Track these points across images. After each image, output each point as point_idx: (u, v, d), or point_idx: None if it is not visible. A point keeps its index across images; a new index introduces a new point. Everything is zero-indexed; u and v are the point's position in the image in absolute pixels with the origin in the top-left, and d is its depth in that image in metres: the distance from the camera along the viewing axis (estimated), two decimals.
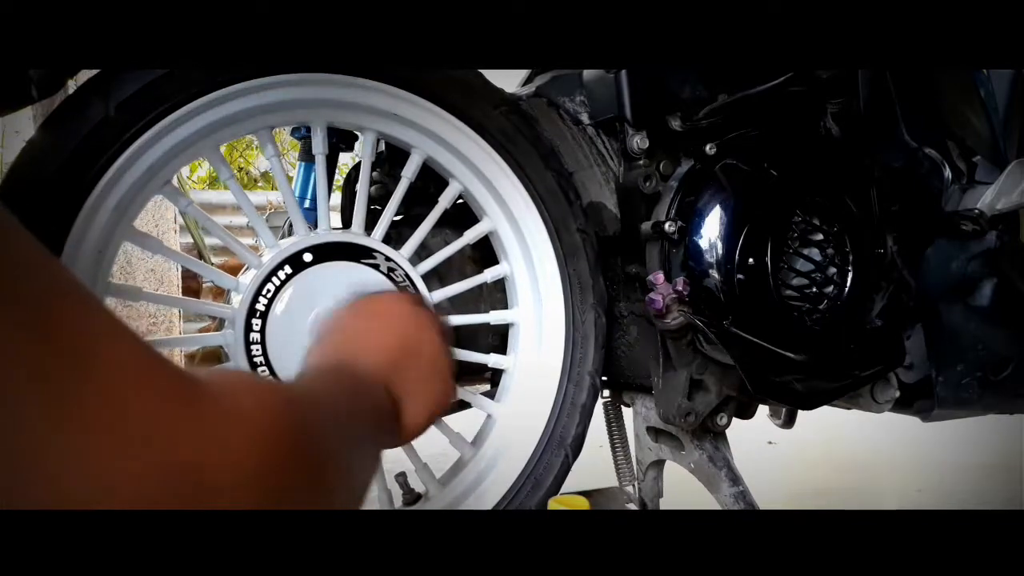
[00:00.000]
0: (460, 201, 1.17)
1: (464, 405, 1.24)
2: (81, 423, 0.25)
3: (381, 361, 0.53)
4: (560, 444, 1.14)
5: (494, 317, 1.17)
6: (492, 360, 1.16)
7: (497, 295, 1.23)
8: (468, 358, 1.14)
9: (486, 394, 1.30)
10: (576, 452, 1.15)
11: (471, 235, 1.15)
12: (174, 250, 1.06)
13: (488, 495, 1.12)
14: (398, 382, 0.54)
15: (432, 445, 1.26)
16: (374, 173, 1.24)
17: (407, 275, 1.06)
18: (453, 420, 1.18)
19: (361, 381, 0.50)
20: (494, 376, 1.27)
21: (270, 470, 0.31)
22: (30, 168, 0.88)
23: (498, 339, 1.23)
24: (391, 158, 1.25)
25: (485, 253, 1.22)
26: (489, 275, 1.16)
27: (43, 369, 0.24)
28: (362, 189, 1.08)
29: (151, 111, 0.91)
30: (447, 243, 1.19)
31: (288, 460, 0.32)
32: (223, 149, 1.05)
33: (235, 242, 1.03)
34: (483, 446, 1.15)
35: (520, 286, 1.17)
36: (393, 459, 1.14)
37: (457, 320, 1.14)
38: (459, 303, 1.19)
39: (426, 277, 1.09)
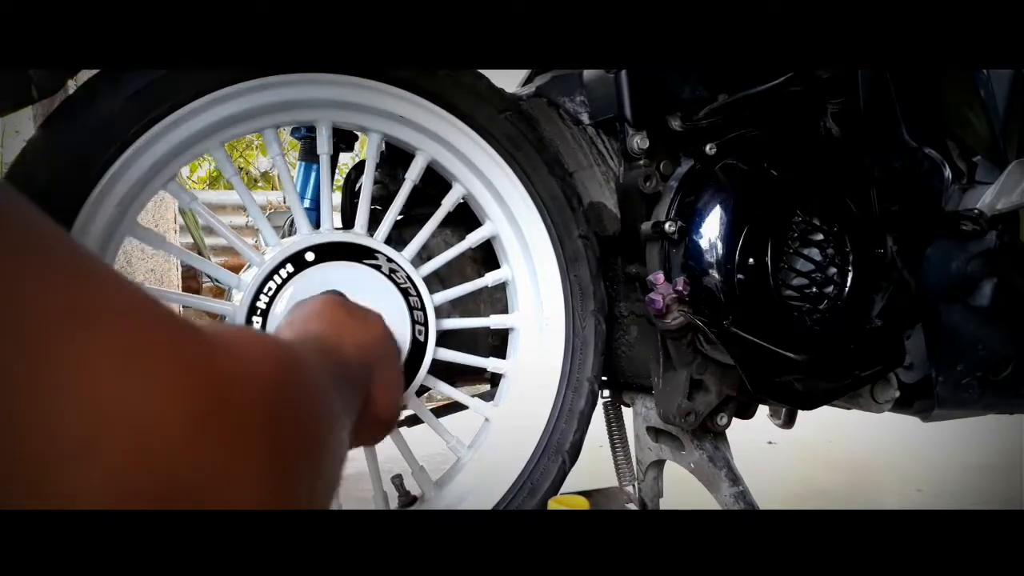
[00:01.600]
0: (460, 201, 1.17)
1: (460, 407, 1.24)
2: (106, 348, 0.26)
3: (360, 354, 0.55)
4: (557, 450, 1.14)
5: (494, 321, 1.17)
6: (491, 364, 1.16)
7: (497, 295, 1.23)
8: (467, 361, 1.14)
9: (485, 395, 1.30)
10: (573, 458, 1.15)
11: (473, 239, 1.15)
12: (176, 246, 1.06)
13: (484, 499, 1.11)
14: (372, 377, 0.56)
15: (429, 446, 1.26)
16: (375, 173, 1.24)
17: (409, 277, 1.06)
18: (451, 423, 1.18)
19: (344, 361, 0.52)
20: (493, 377, 1.27)
21: (273, 411, 0.32)
22: (36, 158, 0.88)
23: (498, 339, 1.23)
24: (391, 158, 1.26)
25: (486, 253, 1.22)
26: (490, 279, 1.16)
27: (66, 312, 0.25)
28: (366, 190, 1.08)
29: (159, 106, 0.91)
30: (447, 243, 1.19)
31: (288, 404, 0.33)
32: None
33: (238, 239, 1.03)
34: (480, 450, 1.15)
35: (521, 291, 1.17)
36: (390, 460, 1.14)
37: (457, 323, 1.14)
38: (459, 304, 1.19)
39: (427, 278, 1.09)
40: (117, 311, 0.27)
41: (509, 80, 1.29)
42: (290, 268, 1.00)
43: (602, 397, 1.28)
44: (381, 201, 1.25)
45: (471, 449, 1.16)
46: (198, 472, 0.27)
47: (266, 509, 0.30)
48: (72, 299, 0.26)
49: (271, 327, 1.00)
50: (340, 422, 0.42)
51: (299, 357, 0.37)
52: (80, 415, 0.24)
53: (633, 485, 1.26)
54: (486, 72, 1.09)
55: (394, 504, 1.15)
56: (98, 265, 0.28)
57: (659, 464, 1.25)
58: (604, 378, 1.23)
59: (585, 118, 1.18)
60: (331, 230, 1.05)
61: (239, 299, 1.00)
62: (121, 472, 0.25)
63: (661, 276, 1.01)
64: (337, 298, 0.65)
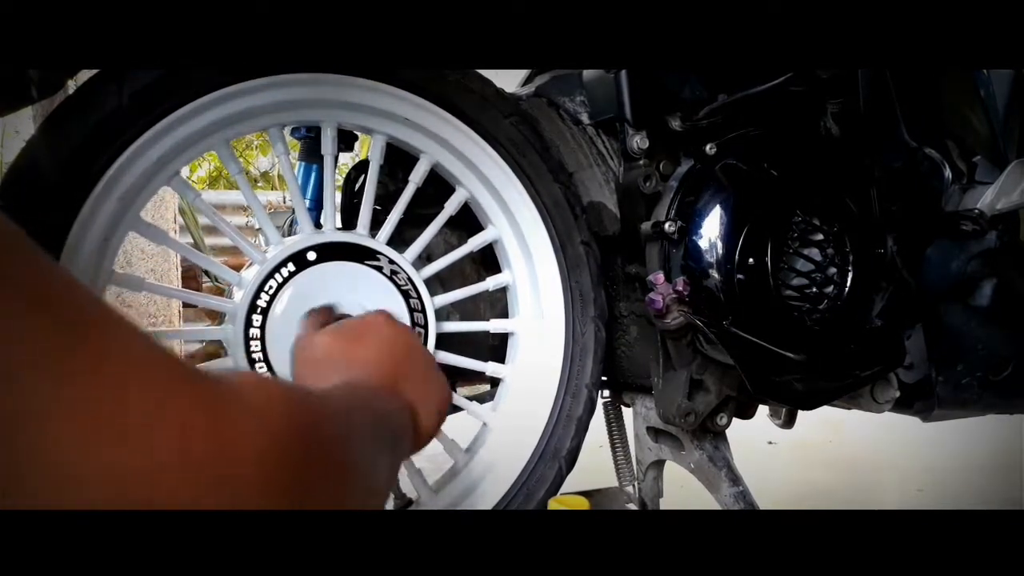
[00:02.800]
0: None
1: (456, 408, 1.24)
2: (90, 409, 0.24)
3: (384, 376, 0.54)
4: (555, 456, 1.13)
5: (494, 326, 1.17)
6: (490, 368, 1.16)
7: (497, 295, 1.22)
8: (466, 365, 1.14)
9: (485, 395, 1.30)
10: (570, 465, 1.15)
11: (475, 242, 1.14)
12: (178, 241, 1.06)
13: (480, 504, 1.11)
14: (406, 391, 0.54)
15: (427, 447, 1.26)
16: None
17: (410, 278, 1.06)
18: (449, 425, 1.18)
19: (374, 394, 0.51)
20: (492, 378, 1.27)
21: (288, 464, 0.30)
22: (42, 153, 0.88)
23: (497, 339, 1.23)
24: (391, 158, 1.25)
25: (486, 254, 1.22)
26: (491, 283, 1.16)
27: (56, 355, 0.24)
28: (369, 191, 1.08)
29: (164, 103, 0.91)
30: (447, 243, 1.19)
31: (304, 455, 0.32)
32: None
33: (240, 237, 1.03)
34: (477, 454, 1.15)
35: (522, 296, 1.17)
36: None
37: (457, 326, 1.14)
38: (459, 306, 1.19)
39: (427, 280, 1.09)
40: (121, 349, 0.26)
41: (509, 80, 1.29)
42: (291, 267, 1.00)
43: (602, 397, 1.28)
44: (381, 201, 1.25)
45: (468, 453, 1.16)
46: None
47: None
48: (77, 332, 0.25)
49: (271, 325, 1.00)
50: (365, 464, 0.40)
51: (306, 402, 0.35)
52: (72, 456, 0.24)
53: (633, 485, 1.26)
54: (486, 72, 1.09)
55: (390, 506, 1.15)
56: (103, 304, 0.27)
57: (659, 464, 1.25)
58: (604, 378, 1.23)
59: (585, 118, 1.18)
60: (333, 230, 1.05)
61: (240, 297, 1.00)
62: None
63: (661, 276, 1.01)
64: (334, 329, 0.62)
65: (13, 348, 0.23)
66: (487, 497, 1.11)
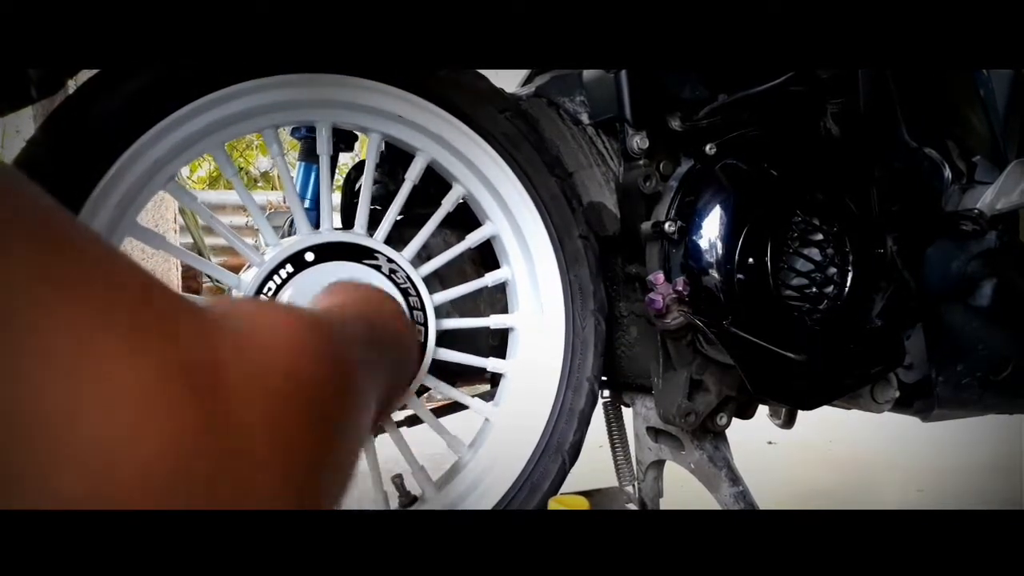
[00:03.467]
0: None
1: (460, 406, 1.24)
2: (88, 320, 0.24)
3: (391, 336, 0.57)
4: (558, 450, 1.13)
5: (494, 321, 1.17)
6: (491, 364, 1.16)
7: (497, 295, 1.23)
8: (467, 361, 1.14)
9: (485, 395, 1.30)
10: (573, 458, 1.15)
11: (473, 239, 1.15)
12: (175, 246, 1.06)
13: (484, 499, 1.11)
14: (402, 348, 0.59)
15: (430, 446, 1.26)
16: (375, 173, 1.24)
17: (408, 277, 1.06)
18: (451, 423, 1.18)
19: (383, 326, 0.53)
20: (493, 377, 1.27)
21: (295, 372, 0.30)
22: (36, 159, 0.88)
23: (498, 339, 1.23)
24: (391, 158, 1.25)
25: (484, 252, 1.22)
26: (490, 279, 1.16)
27: (71, 285, 0.24)
28: (365, 190, 1.08)
29: (158, 106, 0.91)
30: (446, 243, 1.19)
31: (310, 366, 0.32)
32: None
33: (238, 239, 1.03)
34: (480, 450, 1.15)
35: (521, 291, 1.17)
36: (390, 460, 1.14)
37: (457, 323, 1.14)
38: (459, 303, 1.19)
39: (426, 278, 1.09)
40: (100, 281, 0.25)
41: (509, 80, 1.29)
42: (290, 268, 1.00)
43: (602, 397, 1.28)
44: (381, 201, 1.25)
45: (471, 449, 1.16)
46: (197, 461, 0.24)
47: (275, 503, 0.29)
48: (47, 266, 0.23)
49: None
50: (364, 397, 0.40)
51: (320, 326, 0.35)
52: (59, 392, 0.22)
53: (633, 485, 1.26)
54: (486, 72, 1.09)
55: (394, 504, 1.15)
56: (84, 235, 0.26)
57: (659, 464, 1.25)
58: (604, 378, 1.23)
59: (585, 118, 1.18)
60: (331, 230, 1.05)
61: None
62: (100, 462, 0.22)
63: (661, 276, 1.01)
64: (375, 290, 0.66)
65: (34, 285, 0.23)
66: (491, 493, 1.12)
